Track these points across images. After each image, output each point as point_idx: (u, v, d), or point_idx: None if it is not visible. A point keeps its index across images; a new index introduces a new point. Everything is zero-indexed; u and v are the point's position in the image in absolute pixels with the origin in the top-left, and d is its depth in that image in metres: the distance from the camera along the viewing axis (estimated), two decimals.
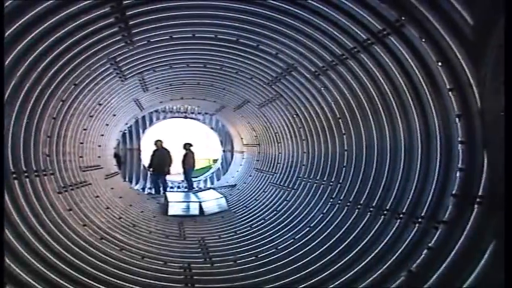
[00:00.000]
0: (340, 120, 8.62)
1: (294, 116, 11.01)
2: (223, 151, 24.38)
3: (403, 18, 5.71)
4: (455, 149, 5.34)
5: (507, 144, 4.40)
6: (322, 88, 8.79)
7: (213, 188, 17.05)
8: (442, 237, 5.24)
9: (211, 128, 24.09)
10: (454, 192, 5.27)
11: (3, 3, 4.64)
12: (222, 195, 13.97)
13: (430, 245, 5.31)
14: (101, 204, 9.87)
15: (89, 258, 6.53)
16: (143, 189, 20.52)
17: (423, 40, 5.59)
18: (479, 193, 4.82)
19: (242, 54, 9.51)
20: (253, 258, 8.00)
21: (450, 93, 5.39)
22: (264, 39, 8.46)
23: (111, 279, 6.21)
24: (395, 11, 5.79)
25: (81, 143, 10.33)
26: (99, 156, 12.48)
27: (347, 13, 6.55)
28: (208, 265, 7.78)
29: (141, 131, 21.90)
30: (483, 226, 4.69)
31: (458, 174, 5.26)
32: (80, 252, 6.56)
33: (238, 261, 7.94)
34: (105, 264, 6.60)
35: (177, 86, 12.75)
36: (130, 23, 7.19)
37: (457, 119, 5.30)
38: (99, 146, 12.66)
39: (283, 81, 10.02)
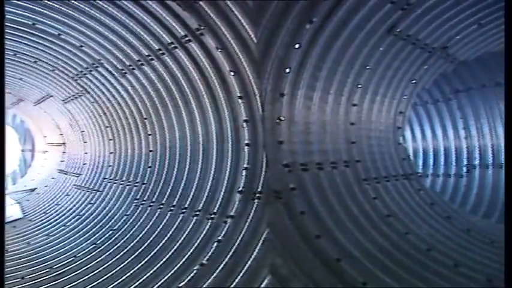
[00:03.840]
0: (146, 121, 8.57)
1: (101, 114, 10.38)
2: (22, 150, 21.07)
3: (202, 27, 6.08)
4: (242, 150, 5.99)
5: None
6: (129, 87, 8.56)
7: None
8: (230, 230, 5.79)
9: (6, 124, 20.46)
10: (240, 189, 5.89)
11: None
12: (16, 202, 12.11)
13: (219, 238, 5.79)
14: None
15: None
16: None
17: (219, 50, 6.09)
18: (259, 189, 5.53)
19: (41, 42, 8.42)
20: (48, 270, 7.19)
21: (240, 100, 6.03)
22: (66, 29, 7.70)
23: None
24: (196, 19, 6.13)
25: None
26: None
27: (153, 15, 6.58)
28: None
29: None
30: (260, 217, 5.40)
31: (244, 173, 5.91)
32: None
33: (29, 276, 6.99)
34: None
35: None
36: None
37: (244, 124, 5.97)
38: None
39: (89, 76, 9.33)
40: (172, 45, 6.74)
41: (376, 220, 6.20)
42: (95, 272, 6.81)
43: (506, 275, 3.57)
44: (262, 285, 4.91)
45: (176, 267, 6.08)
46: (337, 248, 5.40)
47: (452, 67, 8.28)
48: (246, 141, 5.92)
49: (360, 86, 6.77)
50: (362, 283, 5.09)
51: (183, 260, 6.10)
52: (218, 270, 5.40)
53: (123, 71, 8.22)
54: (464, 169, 11.52)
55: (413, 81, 7.79)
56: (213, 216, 6.21)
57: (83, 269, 7.04)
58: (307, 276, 4.95)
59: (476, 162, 11.32)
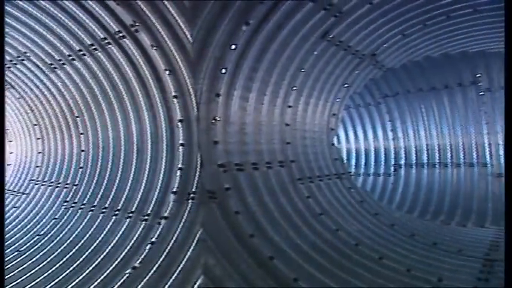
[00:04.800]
0: (78, 119, 8.16)
1: (29, 111, 9.71)
2: None
3: (137, 24, 5.93)
4: (177, 150, 5.92)
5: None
6: (59, 83, 8.10)
7: None
8: (164, 231, 5.70)
9: None
10: (174, 189, 5.82)
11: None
12: None
13: (152, 240, 5.68)
14: None
15: None
16: None
17: (154, 48, 5.97)
18: (193, 189, 5.51)
19: None
20: None
21: (175, 100, 5.96)
22: None
23: None
24: (131, 15, 5.95)
25: None
26: None
27: (85, 9, 6.29)
28: None
29: None
30: (194, 218, 5.38)
31: (178, 173, 5.85)
32: None
33: None
34: None
35: None
36: None
37: (179, 123, 5.91)
38: None
39: (14, 70, 8.69)
40: (106, 41, 6.49)
41: (309, 218, 6.44)
42: (17, 281, 6.35)
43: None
44: (195, 286, 4.90)
45: (107, 272, 5.86)
46: (270, 247, 5.53)
47: (380, 73, 8.83)
48: (181, 141, 5.86)
49: (295, 88, 6.99)
50: (294, 279, 5.26)
51: (115, 264, 5.90)
52: (151, 273, 5.29)
53: (53, 66, 7.78)
54: (392, 168, 12.35)
55: (346, 85, 8.20)
56: (146, 217, 6.07)
57: (5, 278, 6.52)
58: (241, 276, 5.02)
59: (402, 162, 12.19)
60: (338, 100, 8.20)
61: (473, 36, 8.17)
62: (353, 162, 12.96)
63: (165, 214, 5.79)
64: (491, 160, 11.15)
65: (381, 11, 6.97)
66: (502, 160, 11.04)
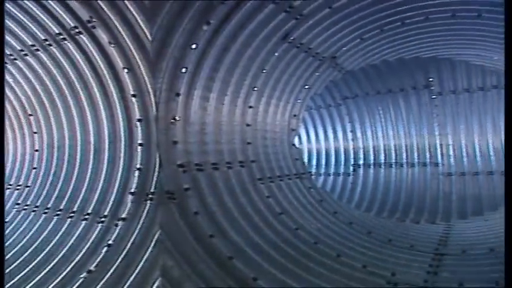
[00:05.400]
0: (31, 118, 7.80)
1: None
2: None
3: (94, 20, 5.76)
4: (135, 150, 5.81)
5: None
6: (11, 80, 7.71)
7: None
8: (121, 233, 5.57)
9: None
10: (132, 190, 5.71)
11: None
12: None
13: (109, 242, 5.54)
14: None
15: None
16: None
17: (112, 45, 5.83)
18: (152, 189, 5.43)
19: None
20: None
21: (133, 98, 5.84)
22: None
23: None
24: (87, 11, 5.78)
25: None
26: None
27: (39, 3, 6.04)
28: None
29: None
30: (152, 219, 5.30)
31: (137, 173, 5.74)
32: None
33: None
34: None
35: None
36: None
37: (138, 123, 5.80)
38: None
39: None
40: (61, 36, 6.26)
41: (269, 218, 6.52)
42: None
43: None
44: None
45: (62, 276, 5.66)
46: (230, 247, 5.55)
47: (340, 75, 9.08)
48: (140, 141, 5.76)
49: (256, 88, 7.05)
50: (253, 279, 5.31)
51: (70, 268, 5.71)
52: (107, 276, 5.16)
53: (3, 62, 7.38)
54: (351, 168, 12.75)
55: (306, 87, 8.36)
56: (103, 219, 5.91)
57: None
58: (200, 276, 5.01)
59: (361, 162, 12.62)
60: (299, 101, 8.35)
61: (425, 42, 8.60)
62: (314, 162, 13.25)
63: (123, 215, 5.66)
64: (442, 160, 11.78)
65: (340, 15, 7.17)
66: (452, 160, 11.71)
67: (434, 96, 11.60)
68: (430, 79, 11.45)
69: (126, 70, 5.85)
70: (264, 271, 5.53)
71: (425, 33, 8.17)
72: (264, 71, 7.09)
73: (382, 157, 12.38)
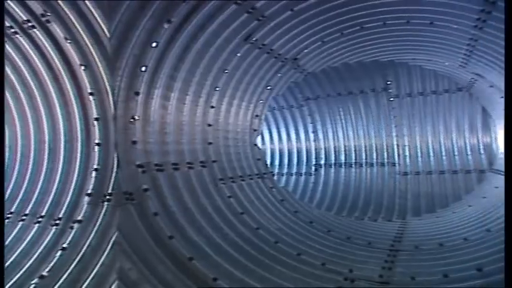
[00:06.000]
0: None
1: None
2: None
3: (48, 14, 5.52)
4: (92, 150, 5.63)
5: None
6: None
7: None
8: (76, 236, 5.38)
9: None
10: (89, 191, 5.53)
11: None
12: None
13: (64, 245, 5.33)
14: None
15: None
16: None
17: (68, 41, 5.61)
18: (109, 190, 5.28)
19: None
20: None
21: (91, 97, 5.65)
22: None
23: None
24: (41, 4, 5.53)
25: None
26: None
27: None
28: None
29: None
30: (110, 221, 5.16)
31: (94, 174, 5.57)
32: None
33: None
34: None
35: None
36: None
37: (95, 122, 5.62)
38: None
39: None
40: (12, 30, 5.94)
41: (230, 218, 6.52)
42: None
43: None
44: None
45: (11, 282, 5.38)
46: (190, 247, 5.50)
47: (302, 77, 9.24)
48: (97, 141, 5.58)
49: (218, 88, 7.04)
50: (213, 279, 5.30)
51: (21, 273, 5.44)
52: (61, 281, 4.97)
53: None
54: (313, 168, 13.03)
55: (269, 87, 8.45)
56: (58, 222, 5.68)
57: None
58: (158, 278, 4.92)
59: (322, 162, 12.93)
60: (261, 102, 8.42)
61: (383, 47, 8.93)
62: (277, 162, 13.43)
63: (79, 218, 5.46)
64: (399, 160, 12.31)
65: (302, 18, 7.29)
66: (408, 160, 12.27)
67: (392, 99, 12.10)
68: (388, 82, 11.94)
69: (83, 67, 5.65)
70: (225, 271, 5.53)
71: (383, 38, 8.48)
72: (226, 71, 7.10)
73: (342, 157, 12.75)
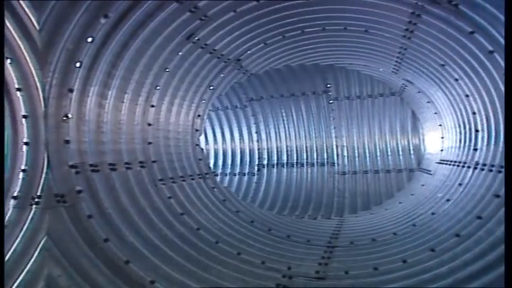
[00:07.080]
0: None
1: None
2: None
3: None
4: (20, 150, 5.26)
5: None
6: None
7: None
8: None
9: None
10: (15, 194, 5.17)
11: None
12: None
13: None
14: None
15: None
16: None
17: None
18: (38, 193, 4.98)
19: None
20: None
21: (18, 92, 5.28)
22: None
23: None
24: None
25: None
26: None
27: None
28: None
29: None
30: (38, 225, 4.86)
31: (21, 175, 5.21)
32: None
33: None
34: None
35: None
36: None
37: (23, 120, 5.26)
38: None
39: None
40: None
41: (170, 219, 6.43)
42: None
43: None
44: None
45: None
46: (126, 250, 5.35)
47: (245, 78, 9.33)
48: (25, 140, 5.21)
49: (158, 87, 6.90)
50: (151, 282, 5.19)
51: None
52: None
53: None
54: (256, 168, 13.24)
55: (211, 87, 8.43)
56: None
57: None
58: (91, 284, 4.73)
59: (265, 162, 13.19)
60: (203, 101, 8.38)
61: (322, 51, 9.29)
62: (220, 162, 13.46)
63: (3, 222, 5.08)
64: (337, 160, 12.91)
65: (245, 19, 7.38)
66: (346, 160, 12.92)
67: (331, 101, 12.65)
68: (328, 85, 12.45)
69: (9, 61, 5.26)
70: (163, 273, 5.44)
71: (322, 42, 8.82)
72: (167, 70, 6.98)
73: (284, 157, 13.09)
